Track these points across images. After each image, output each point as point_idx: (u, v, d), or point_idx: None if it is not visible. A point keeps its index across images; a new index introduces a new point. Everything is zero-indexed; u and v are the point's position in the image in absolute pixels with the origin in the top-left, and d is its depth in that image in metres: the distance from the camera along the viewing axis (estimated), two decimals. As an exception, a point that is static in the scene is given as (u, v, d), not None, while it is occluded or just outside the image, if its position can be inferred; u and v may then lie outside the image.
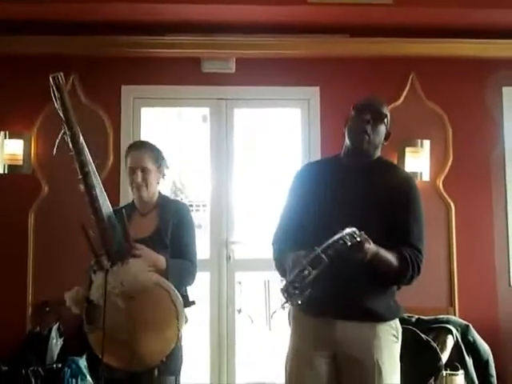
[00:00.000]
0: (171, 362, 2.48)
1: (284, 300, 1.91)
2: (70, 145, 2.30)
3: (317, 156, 4.10)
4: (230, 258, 4.24)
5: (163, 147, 2.79)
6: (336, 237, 1.89)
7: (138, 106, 4.29)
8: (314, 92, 4.30)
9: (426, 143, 4.23)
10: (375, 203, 2.18)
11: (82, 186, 2.33)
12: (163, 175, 2.75)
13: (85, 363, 3.69)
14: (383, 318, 2.20)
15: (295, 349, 2.27)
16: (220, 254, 4.23)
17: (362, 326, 2.17)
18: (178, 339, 2.44)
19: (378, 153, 2.31)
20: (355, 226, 1.94)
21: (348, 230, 1.91)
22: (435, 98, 4.28)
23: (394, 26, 4.06)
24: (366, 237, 1.94)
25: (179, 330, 2.41)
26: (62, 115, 2.28)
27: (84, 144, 2.34)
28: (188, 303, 2.51)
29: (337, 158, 2.38)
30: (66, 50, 4.06)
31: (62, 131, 2.29)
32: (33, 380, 3.58)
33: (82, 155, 2.30)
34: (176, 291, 2.42)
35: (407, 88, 4.29)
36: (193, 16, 3.96)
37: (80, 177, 2.32)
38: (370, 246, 1.96)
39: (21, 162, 4.09)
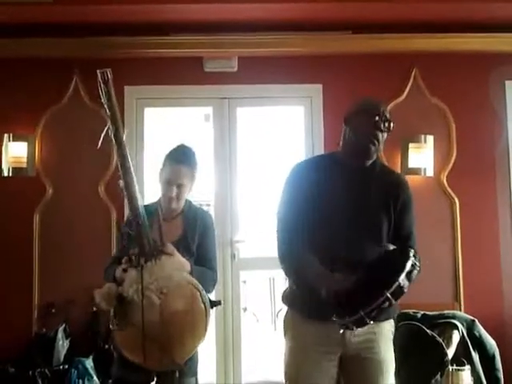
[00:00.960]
0: (191, 363, 2.47)
1: (354, 327, 2.02)
2: (113, 140, 2.29)
3: (320, 153, 4.08)
4: (234, 256, 4.24)
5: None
6: (409, 264, 2.00)
7: (140, 107, 4.30)
8: (316, 89, 4.29)
9: (430, 138, 4.21)
10: (381, 205, 2.24)
11: (121, 182, 2.32)
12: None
13: (91, 364, 3.71)
14: (386, 317, 2.25)
15: (301, 352, 2.27)
16: (225, 252, 4.23)
17: (367, 326, 2.17)
18: (204, 339, 2.43)
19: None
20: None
21: (412, 254, 2.04)
22: (438, 93, 4.27)
23: (396, 22, 4.05)
24: None
25: (206, 330, 2.41)
26: (107, 110, 2.27)
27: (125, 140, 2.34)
28: (214, 303, 2.50)
29: (334, 156, 2.36)
30: (69, 52, 4.08)
31: (107, 126, 2.28)
32: (39, 381, 3.60)
33: (125, 151, 2.30)
34: (204, 291, 2.43)
35: (410, 83, 4.28)
36: (194, 15, 3.96)
37: (120, 172, 2.31)
38: None
39: (25, 165, 4.09)
